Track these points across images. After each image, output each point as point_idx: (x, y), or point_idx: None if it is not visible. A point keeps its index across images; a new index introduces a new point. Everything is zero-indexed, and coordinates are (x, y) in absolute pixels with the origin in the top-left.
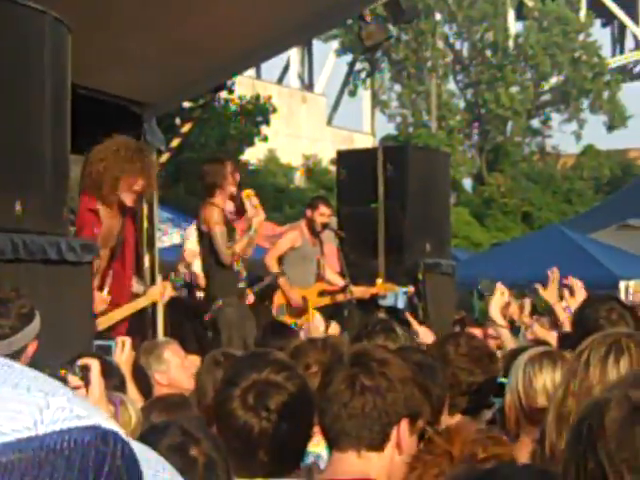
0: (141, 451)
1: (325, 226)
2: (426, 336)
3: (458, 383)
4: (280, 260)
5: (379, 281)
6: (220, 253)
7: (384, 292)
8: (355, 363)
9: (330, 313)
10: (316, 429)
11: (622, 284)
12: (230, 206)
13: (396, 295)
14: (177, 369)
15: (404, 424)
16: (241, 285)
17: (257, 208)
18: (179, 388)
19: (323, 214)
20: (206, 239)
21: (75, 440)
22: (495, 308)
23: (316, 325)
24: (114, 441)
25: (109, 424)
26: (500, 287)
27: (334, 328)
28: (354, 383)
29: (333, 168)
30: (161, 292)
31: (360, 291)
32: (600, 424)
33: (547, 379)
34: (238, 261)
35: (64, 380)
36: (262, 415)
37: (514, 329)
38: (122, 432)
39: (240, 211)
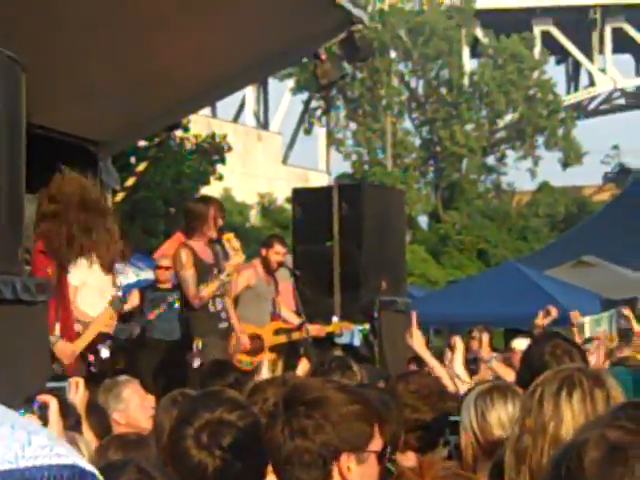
0: None
1: (280, 264)
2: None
3: (405, 420)
4: (235, 300)
5: (335, 319)
6: (187, 296)
7: (340, 330)
8: (288, 406)
9: (286, 351)
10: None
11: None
12: (207, 251)
13: (352, 333)
14: (136, 408)
15: (344, 459)
16: (222, 325)
17: (237, 251)
18: (137, 427)
19: (278, 252)
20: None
21: (54, 476)
22: (459, 364)
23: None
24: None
25: (86, 464)
26: (459, 342)
27: (305, 365)
28: (283, 428)
29: (289, 206)
30: (108, 319)
31: (316, 329)
32: (579, 466)
33: (500, 412)
34: (214, 302)
35: None
36: (216, 454)
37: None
38: (98, 474)
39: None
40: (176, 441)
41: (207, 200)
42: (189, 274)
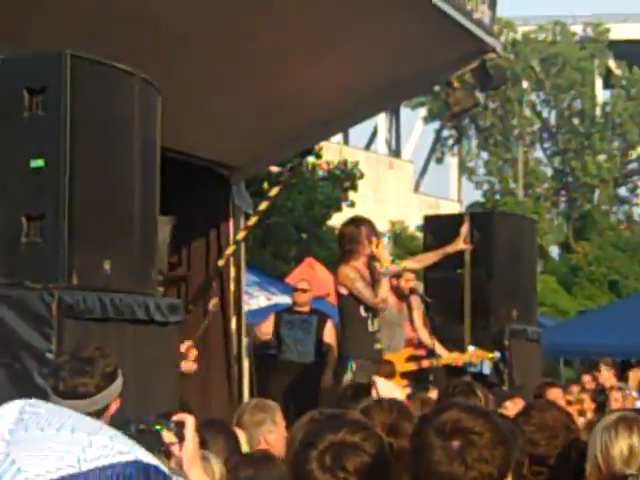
0: None
1: (412, 291)
2: None
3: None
4: None
5: (471, 348)
6: (369, 303)
7: (475, 360)
8: (454, 436)
9: (416, 377)
10: None
11: None
12: (366, 271)
13: (482, 361)
14: (283, 433)
15: None
16: (377, 346)
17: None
18: (280, 453)
19: (408, 280)
20: (343, 300)
21: (117, 474)
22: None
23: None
24: (155, 474)
25: (150, 458)
26: None
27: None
28: (463, 459)
29: (419, 234)
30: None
31: (449, 358)
32: None
33: (623, 445)
34: (373, 322)
35: (158, 436)
36: (340, 476)
37: None
38: (163, 466)
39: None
40: (300, 463)
41: (358, 221)
42: (361, 285)
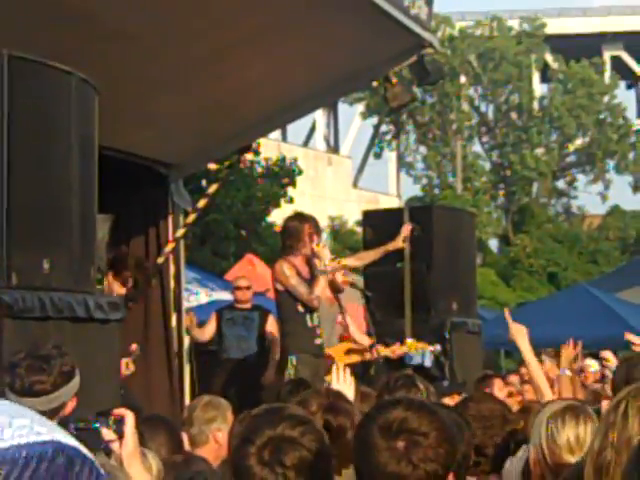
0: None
1: (352, 285)
2: None
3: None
4: None
5: (409, 340)
6: (303, 299)
7: (414, 351)
8: (398, 436)
9: (357, 372)
10: None
11: None
12: (305, 267)
13: (423, 354)
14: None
15: (450, 478)
16: (317, 341)
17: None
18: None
19: (343, 274)
20: (281, 296)
21: (33, 453)
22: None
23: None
24: (73, 455)
25: (69, 440)
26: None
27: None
28: (410, 459)
29: (359, 229)
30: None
31: (390, 350)
32: None
33: (570, 434)
34: (312, 317)
35: (98, 433)
36: (278, 471)
37: None
38: (83, 448)
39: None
40: (239, 459)
41: (302, 217)
42: (295, 281)
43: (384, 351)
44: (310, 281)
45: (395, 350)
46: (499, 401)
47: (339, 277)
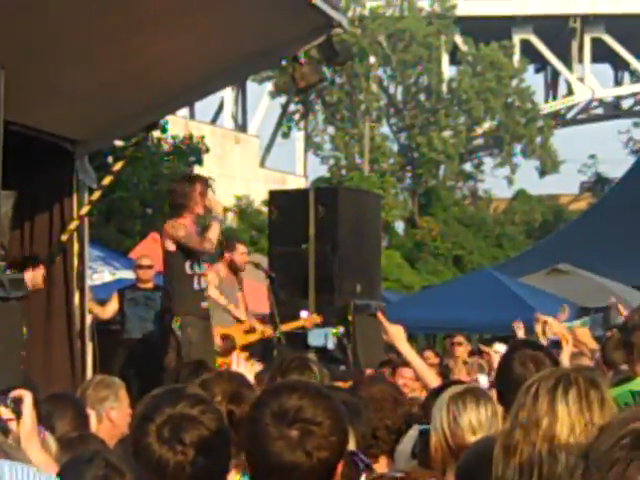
0: None
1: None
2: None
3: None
4: None
5: (303, 314)
6: (196, 246)
7: (310, 324)
8: (292, 424)
9: (260, 354)
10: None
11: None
12: (195, 228)
13: (326, 335)
14: (127, 409)
15: (339, 468)
16: (204, 304)
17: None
18: (123, 430)
19: (243, 253)
20: (169, 257)
21: None
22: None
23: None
24: None
25: None
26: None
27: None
28: (304, 448)
29: (265, 209)
30: None
31: (287, 325)
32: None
33: (472, 416)
34: (200, 281)
35: None
36: (177, 449)
37: None
38: None
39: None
40: (139, 437)
41: (192, 178)
42: (186, 232)
43: (285, 327)
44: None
45: (294, 324)
46: (390, 383)
47: (239, 257)
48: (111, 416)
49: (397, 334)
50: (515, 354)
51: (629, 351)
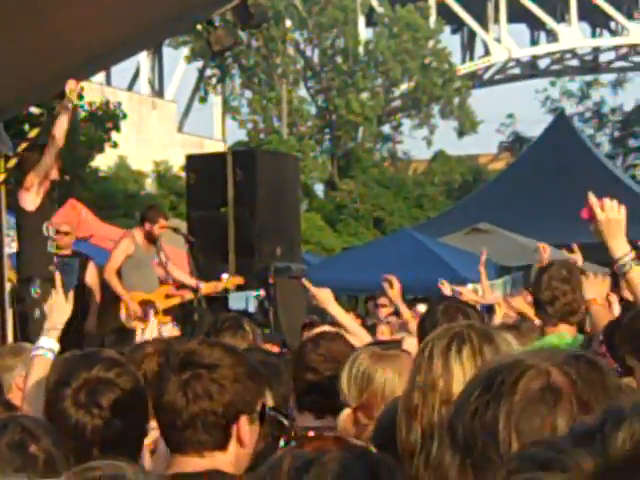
0: None
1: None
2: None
3: (307, 382)
4: (118, 272)
5: (225, 276)
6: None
7: (232, 286)
8: (185, 368)
9: (182, 318)
10: (153, 424)
11: (470, 286)
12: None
13: (247, 299)
14: None
15: (243, 420)
16: (51, 268)
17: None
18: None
19: (163, 226)
20: (26, 217)
21: None
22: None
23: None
24: None
25: None
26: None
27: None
28: (186, 392)
29: (184, 174)
30: None
31: (208, 287)
32: (511, 389)
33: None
34: (57, 244)
35: None
36: (94, 413)
37: None
38: None
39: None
40: (54, 402)
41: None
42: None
43: (204, 289)
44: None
45: (215, 286)
46: (350, 344)
47: (158, 231)
48: (19, 384)
49: (326, 297)
50: (441, 305)
51: (538, 309)
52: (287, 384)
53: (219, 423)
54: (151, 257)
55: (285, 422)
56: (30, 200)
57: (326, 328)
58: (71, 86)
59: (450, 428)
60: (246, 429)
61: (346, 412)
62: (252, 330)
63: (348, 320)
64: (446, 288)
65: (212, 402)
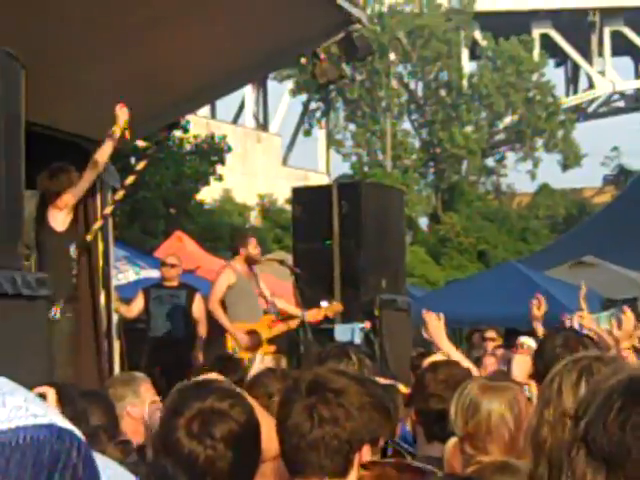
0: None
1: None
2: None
3: (431, 411)
4: (222, 303)
5: (324, 304)
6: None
7: (331, 313)
8: (312, 393)
9: (287, 350)
10: None
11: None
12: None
13: (353, 330)
14: (149, 406)
15: (366, 450)
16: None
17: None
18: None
19: (256, 246)
20: (55, 238)
21: (30, 437)
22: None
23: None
24: (69, 439)
25: (65, 423)
26: None
27: (283, 362)
28: (312, 415)
29: (288, 207)
30: None
31: (311, 315)
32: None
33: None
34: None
35: None
36: (207, 443)
37: None
38: (78, 432)
39: None
40: (167, 431)
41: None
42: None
43: (308, 317)
44: None
45: (318, 313)
46: (465, 368)
47: (254, 250)
48: (131, 413)
49: (438, 332)
50: (560, 336)
51: None
52: (396, 417)
53: (342, 449)
54: (254, 285)
55: (406, 456)
56: (60, 220)
57: (438, 357)
58: (119, 111)
59: (592, 442)
60: (368, 459)
61: (452, 441)
62: (359, 360)
63: (457, 354)
64: (574, 322)
65: (337, 427)
